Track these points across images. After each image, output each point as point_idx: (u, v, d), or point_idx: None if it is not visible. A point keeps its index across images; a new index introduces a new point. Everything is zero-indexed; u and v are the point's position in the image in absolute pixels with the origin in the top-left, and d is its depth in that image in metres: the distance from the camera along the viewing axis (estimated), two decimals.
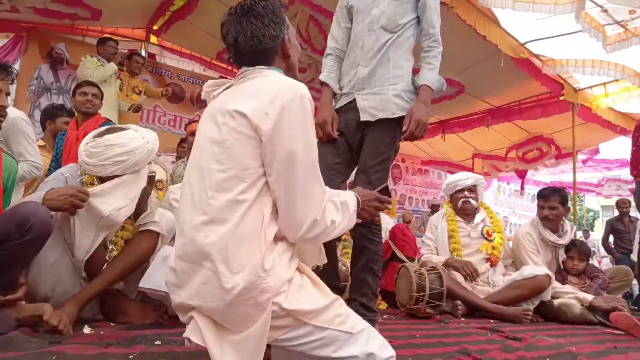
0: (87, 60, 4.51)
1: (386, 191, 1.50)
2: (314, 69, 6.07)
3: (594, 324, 2.75)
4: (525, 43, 4.99)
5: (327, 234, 1.24)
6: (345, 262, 2.81)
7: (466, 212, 3.29)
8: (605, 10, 4.19)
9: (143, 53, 6.45)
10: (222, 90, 1.35)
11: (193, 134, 3.82)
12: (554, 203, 3.27)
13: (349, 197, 1.36)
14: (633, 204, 5.78)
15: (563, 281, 3.17)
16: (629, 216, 6.41)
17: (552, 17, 4.23)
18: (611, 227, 6.53)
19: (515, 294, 2.85)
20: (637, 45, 4.38)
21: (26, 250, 1.62)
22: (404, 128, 2.00)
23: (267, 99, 1.18)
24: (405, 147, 8.65)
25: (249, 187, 1.17)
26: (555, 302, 2.89)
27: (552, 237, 3.26)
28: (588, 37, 4.36)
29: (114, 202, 1.82)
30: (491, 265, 3.11)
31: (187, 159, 3.82)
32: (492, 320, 2.72)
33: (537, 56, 5.16)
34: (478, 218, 3.28)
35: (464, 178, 3.37)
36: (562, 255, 3.32)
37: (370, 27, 2.07)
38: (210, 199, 1.17)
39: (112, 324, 1.90)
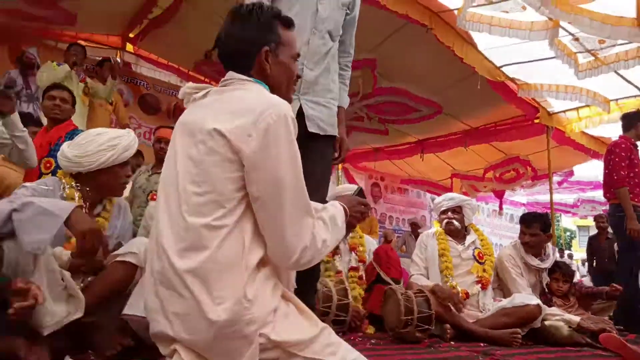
0: (46, 64, 4.31)
1: (361, 193, 1.47)
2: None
3: (582, 345, 2.72)
4: (502, 67, 5.10)
5: (319, 256, 1.18)
6: (327, 282, 2.72)
7: (450, 234, 3.23)
8: (577, 39, 4.34)
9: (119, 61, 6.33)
10: (203, 95, 1.26)
11: (160, 140, 3.63)
12: (535, 230, 3.25)
13: (336, 210, 1.29)
14: None
15: (548, 303, 3.14)
16: (607, 232, 6.10)
17: (527, 43, 4.33)
18: (589, 246, 6.39)
19: (503, 322, 2.78)
20: (607, 74, 4.52)
21: None
22: (337, 155, 2.00)
23: (250, 119, 1.11)
24: (384, 166, 8.68)
25: (228, 212, 1.10)
26: (544, 323, 2.83)
27: (534, 262, 3.25)
28: (561, 64, 4.47)
29: None
30: (482, 288, 3.05)
31: (151, 168, 3.61)
32: (482, 344, 2.66)
33: (512, 80, 5.27)
34: (469, 239, 3.22)
35: (447, 199, 3.32)
36: (545, 277, 3.32)
37: (316, 27, 1.94)
38: (188, 225, 1.10)
39: (92, 356, 1.76)
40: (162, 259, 1.12)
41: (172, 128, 3.97)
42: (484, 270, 3.11)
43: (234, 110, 1.15)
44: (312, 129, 1.90)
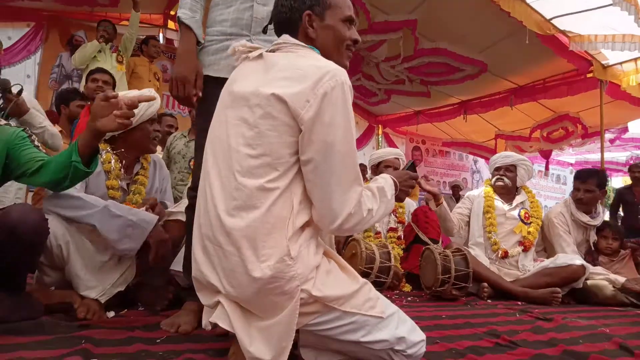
0: (81, 46, 4.58)
1: (412, 167, 1.47)
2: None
3: (625, 305, 2.68)
4: (552, 19, 4.81)
5: (364, 224, 1.21)
6: (371, 245, 2.78)
7: (498, 191, 3.23)
8: None
9: (161, 38, 6.45)
10: (257, 55, 1.27)
11: None
12: (590, 186, 3.15)
13: (385, 182, 1.31)
14: None
15: (593, 262, 3.09)
16: None
17: None
18: (619, 197, 5.74)
19: (544, 281, 2.77)
20: None
21: (23, 257, 1.55)
22: None
23: (308, 84, 1.13)
24: (425, 129, 8.53)
25: (280, 175, 1.14)
26: (586, 283, 2.81)
27: (585, 218, 3.18)
28: (618, 11, 4.16)
29: None
30: (524, 250, 3.05)
31: (188, 134, 3.70)
32: (520, 302, 2.67)
33: (563, 32, 4.98)
34: (518, 199, 3.22)
35: (503, 156, 3.30)
36: (592, 236, 3.25)
37: None
38: (240, 184, 1.14)
39: (141, 308, 1.93)
40: (211, 216, 1.17)
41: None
42: (529, 233, 3.09)
43: (292, 76, 1.16)
44: None
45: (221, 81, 1.45)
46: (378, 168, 3.37)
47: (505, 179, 3.20)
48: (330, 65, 1.19)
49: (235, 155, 1.17)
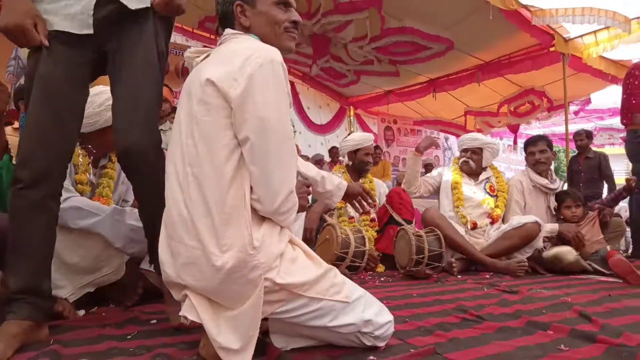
0: None
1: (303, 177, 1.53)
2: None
3: (589, 273, 2.81)
4: None
5: (294, 211, 1.22)
6: (346, 229, 2.80)
7: (464, 172, 3.36)
8: None
9: None
10: (204, 58, 1.31)
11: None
12: (542, 146, 3.33)
13: None
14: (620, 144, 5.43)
15: None
16: (590, 149, 5.53)
17: None
18: (570, 166, 5.76)
19: (506, 245, 2.92)
20: None
21: None
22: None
23: (236, 64, 1.15)
24: (396, 108, 8.57)
25: (225, 160, 1.14)
26: (549, 253, 2.92)
27: (544, 181, 3.33)
28: None
29: None
30: (491, 223, 3.18)
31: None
32: (487, 275, 2.77)
33: (526, 7, 5.04)
34: (483, 175, 3.37)
35: (471, 138, 3.41)
36: (552, 202, 3.38)
37: None
38: (191, 176, 1.15)
39: (112, 304, 1.91)
40: (173, 214, 1.18)
41: (169, 87, 3.96)
42: (496, 205, 3.22)
43: (223, 60, 1.20)
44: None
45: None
46: (356, 155, 3.38)
47: (471, 162, 3.34)
48: (260, 45, 1.22)
49: (185, 149, 1.18)
